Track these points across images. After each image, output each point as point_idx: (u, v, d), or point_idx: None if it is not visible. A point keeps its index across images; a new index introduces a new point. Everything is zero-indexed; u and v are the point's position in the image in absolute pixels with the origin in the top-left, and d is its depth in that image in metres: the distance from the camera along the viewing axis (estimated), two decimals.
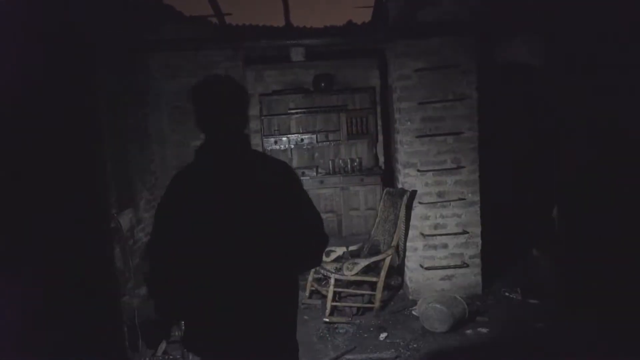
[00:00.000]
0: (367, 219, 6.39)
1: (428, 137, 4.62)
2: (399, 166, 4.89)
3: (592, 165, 4.09)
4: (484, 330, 4.13)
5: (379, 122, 6.72)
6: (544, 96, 5.22)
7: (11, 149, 1.01)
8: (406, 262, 4.80)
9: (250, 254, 1.89)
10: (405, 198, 4.55)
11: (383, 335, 4.13)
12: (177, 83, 6.93)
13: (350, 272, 4.50)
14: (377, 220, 5.05)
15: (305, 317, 4.59)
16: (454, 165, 4.63)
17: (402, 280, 4.92)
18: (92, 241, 1.20)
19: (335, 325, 4.35)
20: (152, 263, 1.98)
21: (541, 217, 5.20)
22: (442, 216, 4.69)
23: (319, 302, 4.81)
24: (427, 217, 4.69)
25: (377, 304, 4.51)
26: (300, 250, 1.98)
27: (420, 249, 4.72)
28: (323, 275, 4.63)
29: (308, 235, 1.99)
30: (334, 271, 4.49)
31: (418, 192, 4.66)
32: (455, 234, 4.68)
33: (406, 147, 4.68)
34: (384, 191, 5.20)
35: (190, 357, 3.64)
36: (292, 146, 6.87)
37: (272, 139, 6.83)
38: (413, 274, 4.76)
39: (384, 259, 4.53)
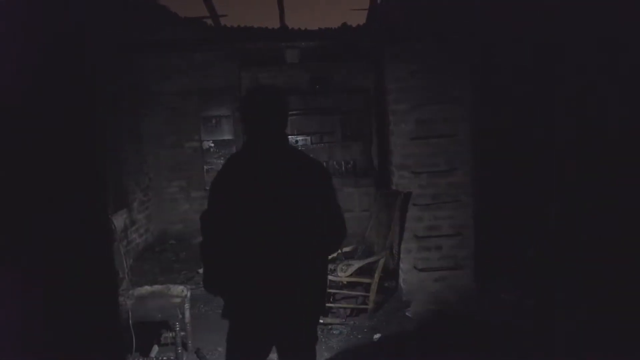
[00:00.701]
0: (361, 221, 6.39)
1: (422, 139, 4.64)
2: (393, 168, 4.91)
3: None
4: (478, 331, 4.14)
5: (374, 124, 6.74)
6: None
7: (11, 148, 1.02)
8: (400, 264, 4.82)
9: (287, 234, 2.22)
10: (399, 200, 4.57)
11: (377, 336, 4.15)
12: (173, 84, 6.95)
13: (344, 274, 4.51)
14: (371, 222, 5.07)
15: None
16: (448, 167, 4.65)
17: (397, 282, 4.94)
18: (90, 241, 1.21)
19: (330, 326, 4.36)
20: (204, 235, 2.34)
21: (539, 217, 5.23)
22: (436, 218, 4.71)
23: None
24: (421, 219, 4.71)
25: (371, 305, 4.52)
26: (327, 235, 2.34)
27: (414, 251, 4.74)
28: None
29: (334, 223, 2.35)
30: (328, 272, 4.50)
31: (412, 193, 4.68)
32: (449, 235, 4.70)
33: (400, 149, 4.70)
34: (378, 193, 5.22)
35: (184, 358, 3.64)
36: None
37: None
38: (407, 276, 4.78)
39: (377, 261, 4.55)
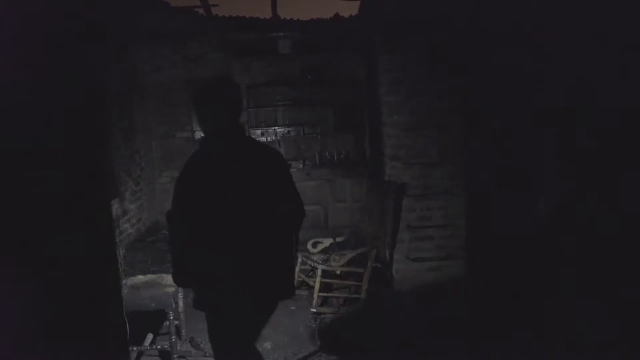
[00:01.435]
0: (353, 211, 6.44)
1: (414, 130, 4.67)
2: (386, 159, 4.93)
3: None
4: (468, 320, 4.19)
5: (366, 115, 6.75)
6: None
7: (15, 138, 1.02)
8: (394, 254, 4.85)
9: (251, 222, 2.34)
10: (392, 190, 4.60)
11: (369, 326, 4.18)
12: (163, 75, 6.90)
13: (337, 264, 4.54)
14: (363, 212, 5.09)
15: (293, 307, 4.63)
16: (440, 159, 4.69)
17: (390, 272, 4.97)
18: (92, 229, 1.22)
19: (323, 316, 4.40)
20: (172, 232, 2.45)
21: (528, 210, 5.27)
22: (428, 208, 4.75)
23: (306, 292, 4.84)
24: (413, 210, 4.75)
25: (363, 295, 4.56)
26: (287, 217, 2.48)
27: (406, 241, 4.77)
28: (310, 266, 4.66)
29: (292, 205, 2.51)
30: (321, 262, 4.53)
31: (400, 183, 4.70)
32: (441, 226, 4.74)
33: (393, 140, 4.73)
34: (371, 183, 5.25)
35: (178, 347, 3.65)
36: (279, 138, 6.88)
37: (259, 131, 6.83)
38: (399, 266, 4.81)
39: (370, 251, 4.58)
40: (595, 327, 3.21)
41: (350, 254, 4.60)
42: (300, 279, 4.91)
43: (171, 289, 3.64)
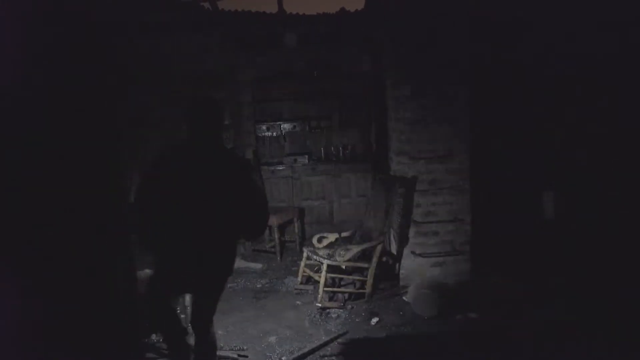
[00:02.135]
0: (358, 206, 6.43)
1: (421, 125, 4.65)
2: (392, 154, 4.92)
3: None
4: (473, 315, 4.20)
5: (372, 110, 6.73)
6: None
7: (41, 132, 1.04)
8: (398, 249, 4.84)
9: (205, 213, 2.75)
10: (399, 186, 4.59)
11: (374, 320, 4.19)
12: (169, 68, 6.89)
13: (342, 259, 4.55)
14: (368, 207, 5.09)
15: (298, 302, 4.65)
16: (446, 154, 4.67)
17: (396, 267, 4.97)
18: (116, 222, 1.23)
19: (328, 311, 4.41)
20: (138, 213, 2.83)
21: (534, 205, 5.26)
22: (434, 204, 4.73)
23: (311, 287, 4.86)
24: (418, 205, 4.73)
25: (368, 290, 4.57)
26: (245, 220, 2.86)
27: (411, 236, 4.77)
28: (316, 261, 4.67)
29: (253, 210, 2.87)
30: (326, 257, 4.54)
31: (409, 178, 4.70)
32: (447, 221, 4.73)
33: (399, 134, 4.71)
34: (377, 178, 5.24)
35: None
36: (284, 132, 6.87)
37: (264, 126, 6.83)
38: (404, 261, 4.81)
39: (375, 246, 4.58)
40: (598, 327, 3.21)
41: (355, 249, 4.60)
42: (306, 274, 4.92)
43: None
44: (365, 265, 4.58)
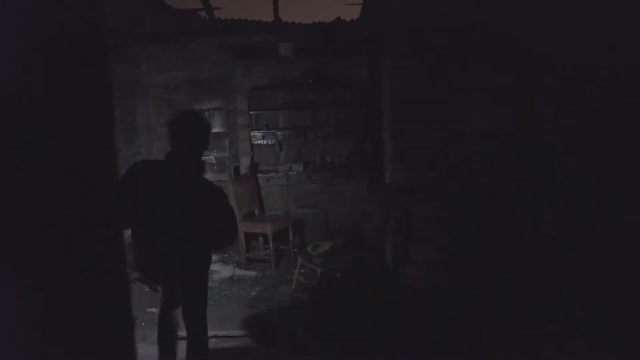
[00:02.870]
0: (354, 214, 6.44)
1: (416, 133, 4.68)
2: (387, 162, 4.96)
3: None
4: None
5: (368, 118, 6.77)
6: None
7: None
8: (393, 257, 4.86)
9: (181, 225, 2.80)
10: (396, 195, 4.61)
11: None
12: (166, 76, 6.93)
13: (337, 266, 4.56)
14: (364, 216, 5.11)
15: (293, 310, 4.64)
16: (442, 162, 4.70)
17: (392, 274, 4.98)
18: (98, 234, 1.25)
19: (322, 318, 4.41)
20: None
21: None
22: (429, 211, 4.75)
23: (305, 295, 4.86)
24: (414, 213, 4.75)
25: (364, 297, 4.57)
26: (215, 234, 2.95)
27: (407, 244, 4.77)
28: (310, 269, 4.68)
29: (222, 225, 2.95)
30: (321, 265, 4.55)
31: (405, 187, 4.72)
32: (442, 229, 4.75)
33: (394, 143, 4.75)
34: (372, 187, 5.26)
35: None
36: (280, 141, 6.90)
37: (260, 134, 6.85)
38: (400, 269, 4.82)
39: (370, 254, 4.60)
40: (598, 330, 3.22)
41: (350, 258, 4.62)
42: (301, 282, 4.92)
43: None
44: (360, 273, 4.59)
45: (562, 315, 3.55)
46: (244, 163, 6.83)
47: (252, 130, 6.77)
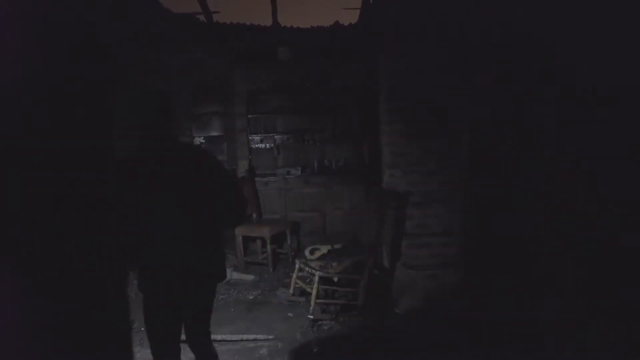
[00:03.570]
0: (351, 218, 6.45)
1: (413, 138, 4.69)
2: (384, 166, 4.96)
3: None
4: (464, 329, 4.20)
5: (365, 122, 6.78)
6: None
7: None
8: (393, 262, 4.86)
9: (180, 211, 2.54)
10: (392, 199, 4.62)
11: (365, 332, 4.19)
12: (164, 80, 6.92)
13: (334, 270, 4.55)
14: (361, 220, 5.11)
15: (290, 314, 4.63)
16: (439, 167, 4.71)
17: (388, 279, 4.98)
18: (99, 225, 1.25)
19: (320, 322, 4.40)
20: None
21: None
22: (426, 216, 4.76)
23: (303, 299, 4.85)
24: (411, 217, 4.76)
25: (360, 302, 4.56)
26: (223, 210, 2.68)
27: (404, 248, 4.78)
28: (308, 272, 4.67)
29: (225, 199, 2.67)
30: (318, 269, 4.54)
31: (402, 192, 4.73)
32: (438, 233, 4.76)
33: (392, 147, 4.75)
34: (370, 191, 5.26)
35: None
36: (278, 145, 6.90)
37: (258, 137, 6.85)
38: (397, 273, 4.82)
39: (367, 258, 4.59)
40: (595, 330, 3.22)
41: (347, 261, 4.61)
42: (298, 286, 4.91)
43: None
44: (358, 277, 4.58)
45: (561, 315, 3.55)
46: (242, 167, 6.82)
47: (250, 134, 6.77)
